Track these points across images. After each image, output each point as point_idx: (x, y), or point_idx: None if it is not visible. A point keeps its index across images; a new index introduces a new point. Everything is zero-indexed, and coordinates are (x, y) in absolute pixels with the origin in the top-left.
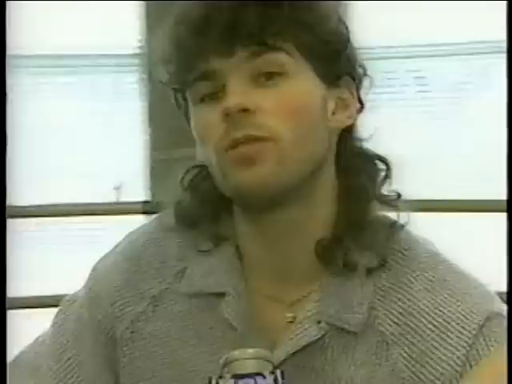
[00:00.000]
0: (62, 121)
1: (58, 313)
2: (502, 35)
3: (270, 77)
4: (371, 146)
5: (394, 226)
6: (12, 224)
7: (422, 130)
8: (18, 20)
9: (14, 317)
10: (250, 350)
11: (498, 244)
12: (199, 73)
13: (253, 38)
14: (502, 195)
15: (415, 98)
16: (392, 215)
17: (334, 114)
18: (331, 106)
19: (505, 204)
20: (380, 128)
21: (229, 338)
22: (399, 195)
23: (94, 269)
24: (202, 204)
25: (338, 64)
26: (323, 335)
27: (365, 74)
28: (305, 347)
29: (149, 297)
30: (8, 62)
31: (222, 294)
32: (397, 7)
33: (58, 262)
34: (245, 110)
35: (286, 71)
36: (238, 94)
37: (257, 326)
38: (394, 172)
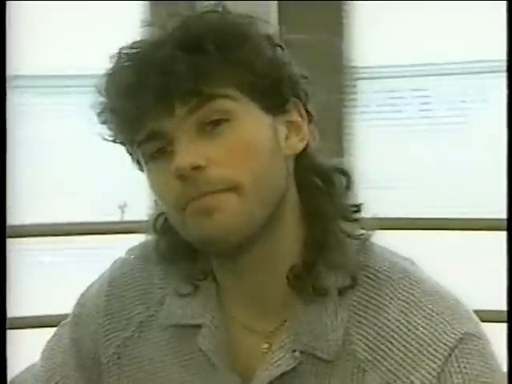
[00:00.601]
0: (67, 140)
1: (48, 340)
2: (502, 55)
3: (215, 124)
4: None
5: (363, 242)
6: (13, 243)
7: (423, 148)
8: (21, 41)
9: (14, 337)
10: None
11: (497, 263)
12: (144, 135)
13: (188, 91)
14: (501, 213)
15: (417, 116)
16: (358, 230)
17: (287, 139)
18: (283, 132)
19: (504, 223)
20: (382, 145)
21: (207, 370)
22: (359, 209)
23: (81, 296)
24: (177, 245)
25: (280, 92)
26: (298, 364)
27: (306, 91)
28: (280, 376)
29: (136, 322)
30: (13, 82)
31: (198, 326)
32: (399, 27)
33: (60, 281)
34: (197, 168)
35: (230, 116)
36: (186, 151)
37: (234, 357)
38: (398, 188)
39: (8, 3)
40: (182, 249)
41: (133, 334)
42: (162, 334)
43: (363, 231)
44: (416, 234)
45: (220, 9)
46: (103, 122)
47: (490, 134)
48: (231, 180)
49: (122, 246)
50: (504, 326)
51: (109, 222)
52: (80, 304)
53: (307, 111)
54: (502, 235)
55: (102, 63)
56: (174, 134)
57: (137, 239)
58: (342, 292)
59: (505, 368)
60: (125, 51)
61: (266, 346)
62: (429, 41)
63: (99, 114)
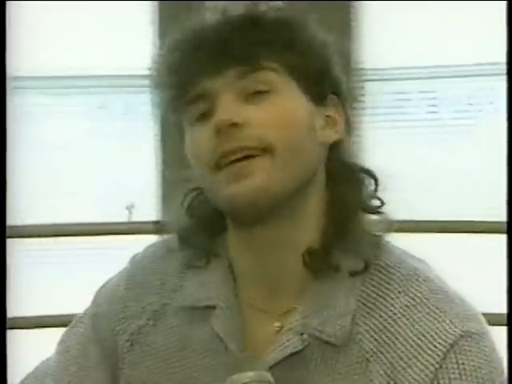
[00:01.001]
0: (75, 141)
1: (64, 333)
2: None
3: (258, 94)
4: (379, 163)
5: (379, 238)
6: (14, 244)
7: (431, 150)
8: (22, 41)
9: (14, 336)
10: (251, 373)
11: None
12: (191, 95)
13: (240, 58)
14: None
15: (425, 118)
16: (380, 227)
17: (322, 129)
18: (319, 122)
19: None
20: (390, 146)
21: (220, 351)
22: (382, 203)
23: (101, 287)
24: (199, 224)
25: (323, 83)
26: (306, 347)
27: (347, 96)
28: (287, 358)
29: (150, 311)
30: (14, 83)
31: (212, 307)
32: (407, 29)
33: (63, 282)
34: (234, 124)
35: (273, 89)
36: (227, 110)
37: (247, 338)
38: (405, 191)
39: (8, 3)
40: (203, 228)
41: (147, 322)
42: (177, 318)
43: (381, 230)
44: (421, 236)
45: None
46: (157, 87)
47: (497, 136)
48: (266, 140)
49: (128, 246)
50: (504, 329)
51: (115, 223)
52: (99, 295)
53: (346, 116)
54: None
55: (102, 64)
56: (219, 95)
57: (144, 240)
58: (353, 274)
59: (505, 371)
60: (184, 25)
61: (277, 327)
62: (437, 43)
63: (154, 81)
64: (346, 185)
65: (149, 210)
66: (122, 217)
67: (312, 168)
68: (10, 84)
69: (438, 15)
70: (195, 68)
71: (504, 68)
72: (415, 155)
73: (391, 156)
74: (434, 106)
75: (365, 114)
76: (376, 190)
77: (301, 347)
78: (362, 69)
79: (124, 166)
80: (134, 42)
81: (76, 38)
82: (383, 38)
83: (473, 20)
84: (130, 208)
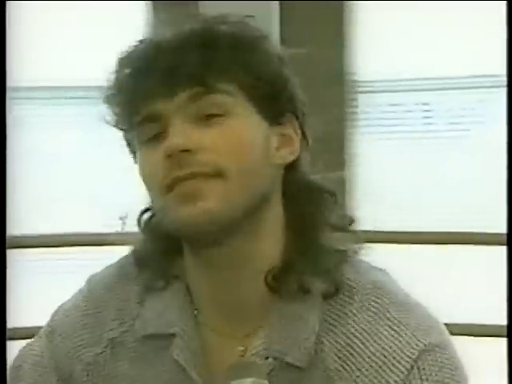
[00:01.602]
0: (69, 151)
1: (15, 358)
2: (503, 70)
3: (211, 117)
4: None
5: (345, 254)
6: (14, 254)
7: (425, 161)
8: (26, 53)
9: (14, 347)
10: (248, 380)
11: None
12: (143, 115)
13: (193, 79)
14: (502, 227)
15: (418, 129)
16: (347, 243)
17: (277, 149)
18: (274, 142)
19: (504, 237)
20: (385, 158)
21: (182, 380)
22: (348, 220)
23: (56, 311)
24: (154, 245)
25: (279, 103)
26: (271, 370)
27: (304, 112)
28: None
29: (107, 338)
30: (16, 94)
31: (172, 335)
32: (401, 41)
33: (60, 292)
34: (186, 150)
35: (227, 112)
36: (179, 134)
37: (210, 364)
38: (398, 202)
39: (8, 3)
40: (159, 248)
41: (104, 350)
42: (136, 347)
43: (349, 245)
44: (416, 247)
45: (238, 18)
46: (108, 105)
47: (490, 147)
48: (218, 165)
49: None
50: (504, 341)
51: (110, 234)
52: (54, 320)
53: (303, 132)
54: (502, 249)
55: (102, 73)
56: (171, 117)
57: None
58: (325, 297)
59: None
60: (137, 42)
61: (241, 350)
62: (431, 55)
63: (106, 97)
64: (303, 203)
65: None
66: (115, 227)
67: (265, 190)
68: (9, 94)
69: (433, 27)
70: (146, 88)
71: (498, 80)
72: (409, 166)
73: (386, 167)
74: (428, 117)
75: (359, 126)
76: (336, 205)
77: (266, 372)
78: (356, 81)
79: (118, 176)
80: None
81: (70, 49)
82: (377, 50)
83: (468, 32)
84: (123, 218)
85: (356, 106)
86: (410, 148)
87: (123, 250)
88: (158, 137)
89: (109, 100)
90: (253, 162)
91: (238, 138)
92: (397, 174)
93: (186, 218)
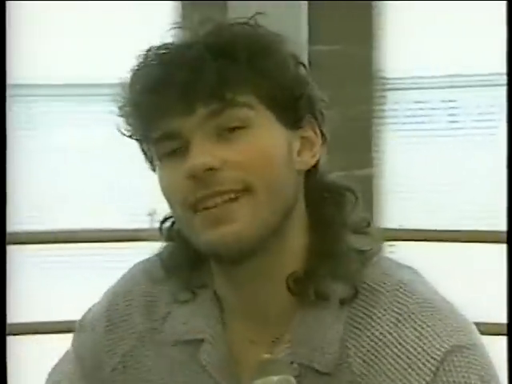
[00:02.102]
0: (99, 147)
1: (55, 365)
2: None
3: (232, 131)
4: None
5: (366, 255)
6: (21, 250)
7: (452, 158)
8: (46, 51)
9: (14, 342)
10: (275, 378)
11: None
12: (161, 133)
13: (212, 95)
14: None
15: (445, 127)
16: (367, 244)
17: (299, 154)
18: (296, 147)
19: None
20: (411, 155)
21: None
22: (369, 223)
23: (85, 313)
24: (180, 252)
25: (298, 107)
26: (296, 376)
27: (322, 111)
28: None
29: (138, 331)
30: (39, 91)
31: (200, 341)
32: (429, 38)
33: (75, 288)
34: (210, 169)
35: (248, 124)
36: (201, 152)
37: (236, 370)
38: (425, 200)
39: (8, 3)
40: (185, 256)
41: (136, 343)
42: (164, 349)
43: (370, 246)
44: (442, 245)
45: (252, 22)
46: (123, 117)
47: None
48: (244, 181)
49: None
50: (504, 339)
51: (137, 230)
52: (84, 319)
53: (322, 132)
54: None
55: (118, 71)
56: (191, 134)
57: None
58: (342, 302)
59: (505, 381)
60: (154, 50)
61: (267, 356)
62: (458, 52)
63: (120, 108)
64: (323, 204)
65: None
66: (144, 223)
67: (291, 200)
68: (29, 92)
69: (461, 25)
70: (163, 105)
71: None
72: (436, 163)
73: (412, 164)
74: (454, 115)
75: (385, 123)
76: (357, 205)
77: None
78: (384, 78)
79: (146, 173)
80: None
81: (92, 47)
82: (405, 48)
83: (495, 30)
84: (152, 214)
85: (384, 104)
86: (436, 146)
87: (142, 246)
88: (177, 152)
89: (124, 113)
90: (278, 175)
91: (262, 151)
92: (424, 171)
93: (215, 241)
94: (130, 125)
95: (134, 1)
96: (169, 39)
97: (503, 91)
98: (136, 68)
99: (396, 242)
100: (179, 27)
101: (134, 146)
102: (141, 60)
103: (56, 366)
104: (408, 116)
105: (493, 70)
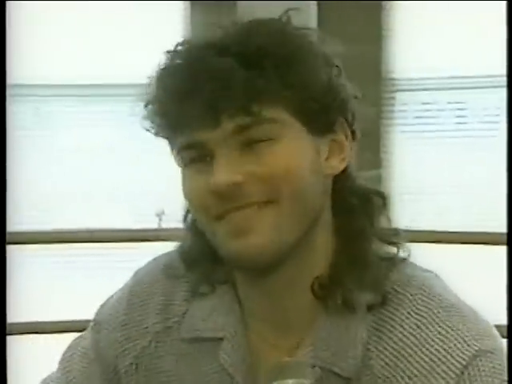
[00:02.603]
0: (106, 147)
1: (66, 350)
2: None
3: (258, 143)
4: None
5: (393, 262)
6: (23, 250)
7: (459, 160)
8: (53, 50)
9: (14, 342)
10: (290, 381)
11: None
12: (185, 143)
13: (239, 108)
14: None
15: (453, 128)
16: (394, 251)
17: (327, 159)
18: (325, 152)
19: None
20: (419, 156)
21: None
22: (397, 231)
23: (101, 306)
24: (201, 246)
25: (330, 114)
26: (317, 380)
27: (353, 111)
28: None
29: (152, 332)
30: (49, 91)
31: (220, 339)
32: (437, 39)
33: (81, 288)
34: (234, 184)
35: (274, 136)
36: (226, 166)
37: (255, 372)
38: (435, 200)
39: (9, 3)
40: (206, 250)
41: (150, 343)
42: (181, 346)
43: (397, 253)
44: (450, 246)
45: (284, 18)
46: (148, 115)
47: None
48: (268, 194)
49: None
50: (504, 342)
51: (145, 230)
52: (100, 313)
53: (352, 131)
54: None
55: (135, 71)
56: (216, 147)
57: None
58: (370, 309)
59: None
60: (181, 48)
61: (287, 360)
62: (466, 53)
63: (145, 106)
64: (354, 213)
65: (179, 216)
66: (152, 223)
67: (317, 208)
68: (33, 92)
69: (468, 26)
70: (188, 115)
71: None
72: (443, 165)
73: (420, 165)
74: (462, 116)
75: (394, 124)
76: (386, 209)
77: (312, 381)
78: (393, 79)
79: (154, 173)
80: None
81: (100, 47)
82: (413, 49)
83: (504, 31)
84: (160, 215)
85: (393, 104)
86: (445, 147)
87: (144, 247)
88: (202, 159)
89: (149, 113)
90: (304, 183)
91: (287, 163)
92: (431, 171)
93: (238, 252)
94: (155, 124)
95: (142, 0)
96: (195, 38)
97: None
98: (162, 68)
99: (409, 242)
100: (210, 28)
101: (140, 146)
102: (167, 59)
103: (70, 350)
104: (416, 117)
105: (500, 71)
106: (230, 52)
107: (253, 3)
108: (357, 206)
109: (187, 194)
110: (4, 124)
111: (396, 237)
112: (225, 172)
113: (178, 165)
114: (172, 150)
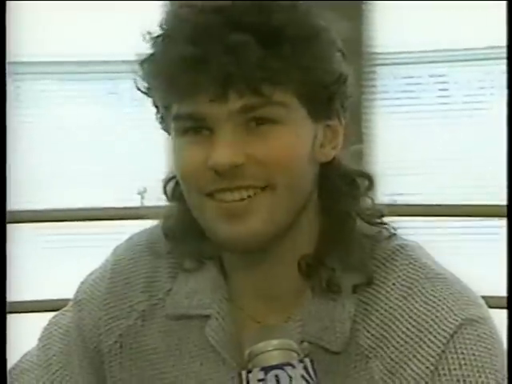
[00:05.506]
0: (87, 126)
1: (45, 327)
2: None
3: (261, 124)
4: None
5: (377, 239)
6: (18, 229)
7: (442, 133)
8: (42, 26)
9: (14, 321)
10: (275, 342)
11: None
12: (184, 112)
13: (249, 88)
14: None
15: (435, 102)
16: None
17: (321, 146)
18: (320, 138)
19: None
20: (401, 130)
21: (214, 362)
22: (381, 211)
23: (82, 282)
24: (186, 219)
25: (333, 103)
26: (306, 355)
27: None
28: None
29: (138, 310)
30: (29, 68)
31: (206, 316)
32: (418, 12)
33: (68, 266)
34: (235, 165)
35: (279, 121)
36: (227, 147)
37: (242, 349)
38: (417, 175)
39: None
40: (191, 224)
41: (135, 322)
42: (167, 324)
43: (379, 228)
44: (432, 219)
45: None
46: (145, 74)
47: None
48: (265, 179)
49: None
50: (504, 312)
51: (128, 208)
52: (82, 291)
53: (346, 119)
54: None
55: (114, 49)
56: (219, 123)
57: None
58: (355, 290)
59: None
60: (186, 10)
61: (271, 323)
62: (447, 26)
63: (143, 63)
64: (339, 196)
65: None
66: (134, 202)
67: (309, 193)
68: (17, 69)
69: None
70: (194, 82)
71: None
72: (426, 139)
73: (402, 140)
74: (444, 89)
75: (375, 99)
76: (371, 190)
77: (301, 356)
78: (373, 53)
79: (136, 152)
80: (146, 26)
81: (86, 22)
82: (394, 22)
83: (484, 3)
84: (142, 193)
85: (374, 79)
86: (427, 121)
87: (131, 225)
88: (199, 131)
89: (148, 72)
90: (301, 171)
91: (288, 149)
92: (413, 146)
93: (229, 237)
94: (152, 85)
95: None
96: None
97: (494, 66)
98: (169, 28)
99: (391, 217)
100: None
101: (124, 125)
102: (173, 19)
103: (50, 326)
104: (397, 91)
105: (482, 44)
106: (247, 26)
107: None
108: (342, 188)
109: (179, 166)
110: (4, 105)
111: (380, 217)
112: (227, 151)
113: (168, 133)
114: (162, 115)
